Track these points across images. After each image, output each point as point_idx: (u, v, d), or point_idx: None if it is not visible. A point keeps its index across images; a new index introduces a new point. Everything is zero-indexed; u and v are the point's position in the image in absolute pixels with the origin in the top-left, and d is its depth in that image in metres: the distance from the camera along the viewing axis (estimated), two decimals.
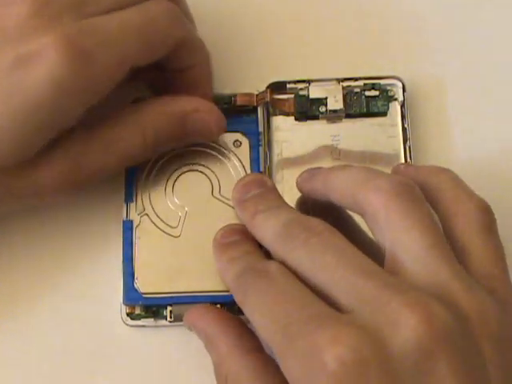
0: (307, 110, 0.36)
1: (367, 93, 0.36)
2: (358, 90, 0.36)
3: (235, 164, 0.35)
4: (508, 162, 0.36)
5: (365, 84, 0.36)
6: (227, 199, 0.34)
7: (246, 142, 0.35)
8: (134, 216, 0.34)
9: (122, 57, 0.30)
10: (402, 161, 0.35)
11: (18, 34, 0.29)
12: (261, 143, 0.35)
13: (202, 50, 0.34)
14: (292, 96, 0.36)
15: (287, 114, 0.36)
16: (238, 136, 0.35)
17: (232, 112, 0.35)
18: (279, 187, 0.34)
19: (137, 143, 0.32)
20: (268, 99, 0.36)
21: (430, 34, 0.38)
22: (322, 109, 0.36)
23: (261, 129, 0.36)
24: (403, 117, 0.36)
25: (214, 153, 0.35)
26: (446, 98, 0.37)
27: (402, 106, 0.36)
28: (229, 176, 0.35)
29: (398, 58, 0.38)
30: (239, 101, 0.35)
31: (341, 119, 0.36)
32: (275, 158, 0.35)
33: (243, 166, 0.35)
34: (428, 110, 0.37)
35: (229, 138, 0.35)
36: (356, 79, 0.36)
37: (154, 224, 0.34)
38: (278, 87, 0.36)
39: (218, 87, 0.36)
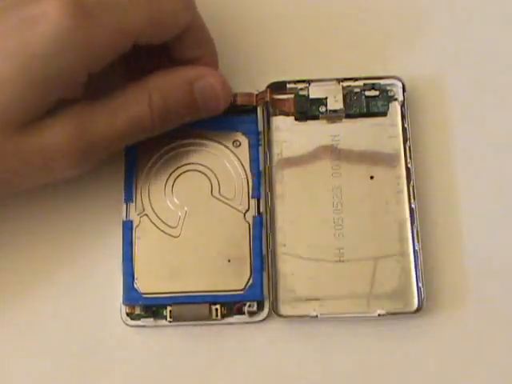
0: (307, 109, 0.36)
1: (367, 93, 0.36)
2: (357, 89, 0.36)
3: (235, 163, 0.35)
4: (509, 160, 0.36)
5: (365, 84, 0.36)
6: (227, 199, 0.34)
7: (245, 142, 0.35)
8: (133, 216, 0.34)
9: (127, 26, 0.31)
10: (403, 161, 0.35)
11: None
12: (260, 143, 0.35)
13: (210, 41, 0.35)
14: (292, 96, 0.36)
15: (287, 114, 0.36)
16: (238, 136, 0.35)
17: (232, 112, 0.35)
18: (279, 187, 0.35)
19: (143, 109, 0.32)
20: (268, 99, 0.36)
21: (430, 33, 0.38)
22: (322, 109, 0.36)
23: (261, 128, 0.36)
24: (403, 117, 0.35)
25: (213, 152, 0.35)
26: (446, 97, 0.37)
27: (402, 105, 0.36)
28: (228, 175, 0.35)
29: (398, 58, 0.38)
30: (239, 100, 0.35)
31: (341, 119, 0.36)
32: (275, 158, 0.35)
33: (243, 166, 0.35)
34: (428, 110, 0.37)
35: (228, 137, 0.35)
36: (356, 79, 0.36)
37: (154, 224, 0.34)
38: (277, 87, 0.36)
39: None
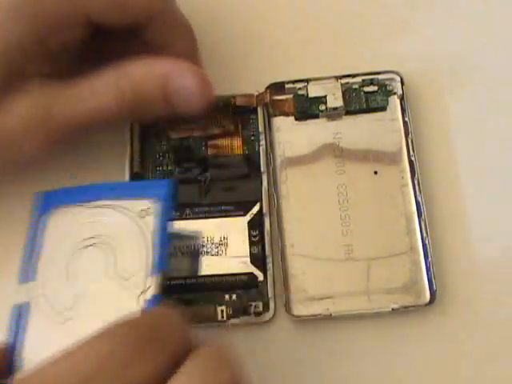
0: (307, 109, 0.36)
1: (366, 88, 0.36)
2: (356, 86, 0.36)
3: (138, 236, 0.29)
4: (509, 149, 0.36)
5: (363, 80, 0.36)
6: (123, 278, 0.29)
7: (152, 210, 0.29)
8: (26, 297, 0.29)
9: (79, 3, 0.30)
10: (405, 154, 0.35)
11: None
12: (262, 143, 0.35)
13: (186, 27, 0.33)
14: (291, 96, 0.36)
15: (287, 115, 0.36)
16: (145, 204, 0.30)
17: (232, 112, 0.35)
18: (283, 187, 0.35)
19: (111, 94, 0.31)
20: (267, 100, 0.36)
21: (427, 26, 0.38)
22: (322, 107, 0.36)
23: (261, 129, 0.35)
24: (403, 110, 0.35)
25: (115, 224, 0.30)
26: (445, 89, 0.37)
27: (402, 99, 0.36)
28: (128, 251, 0.29)
29: (394, 51, 0.38)
30: (239, 102, 0.35)
31: (341, 116, 0.36)
32: (278, 159, 0.35)
33: (145, 239, 0.29)
34: (427, 102, 0.36)
35: (135, 206, 0.30)
36: (354, 75, 0.36)
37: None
38: (276, 88, 0.36)
39: (217, 88, 0.35)
